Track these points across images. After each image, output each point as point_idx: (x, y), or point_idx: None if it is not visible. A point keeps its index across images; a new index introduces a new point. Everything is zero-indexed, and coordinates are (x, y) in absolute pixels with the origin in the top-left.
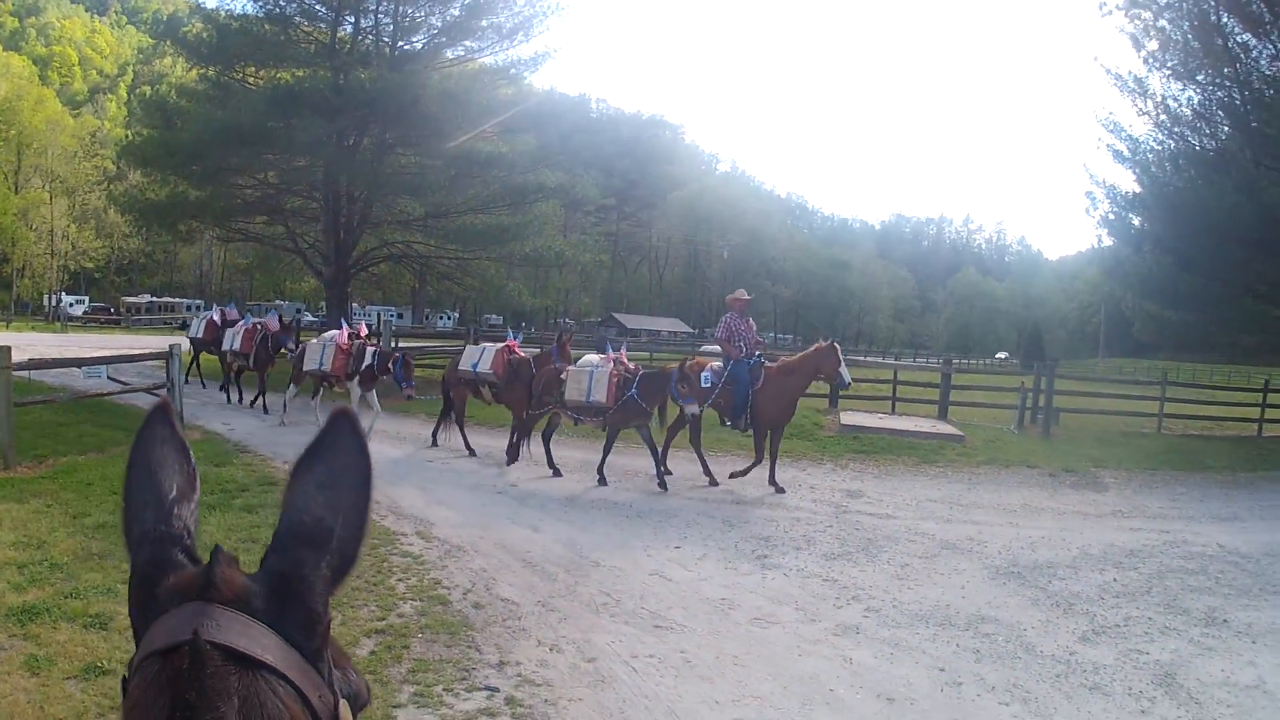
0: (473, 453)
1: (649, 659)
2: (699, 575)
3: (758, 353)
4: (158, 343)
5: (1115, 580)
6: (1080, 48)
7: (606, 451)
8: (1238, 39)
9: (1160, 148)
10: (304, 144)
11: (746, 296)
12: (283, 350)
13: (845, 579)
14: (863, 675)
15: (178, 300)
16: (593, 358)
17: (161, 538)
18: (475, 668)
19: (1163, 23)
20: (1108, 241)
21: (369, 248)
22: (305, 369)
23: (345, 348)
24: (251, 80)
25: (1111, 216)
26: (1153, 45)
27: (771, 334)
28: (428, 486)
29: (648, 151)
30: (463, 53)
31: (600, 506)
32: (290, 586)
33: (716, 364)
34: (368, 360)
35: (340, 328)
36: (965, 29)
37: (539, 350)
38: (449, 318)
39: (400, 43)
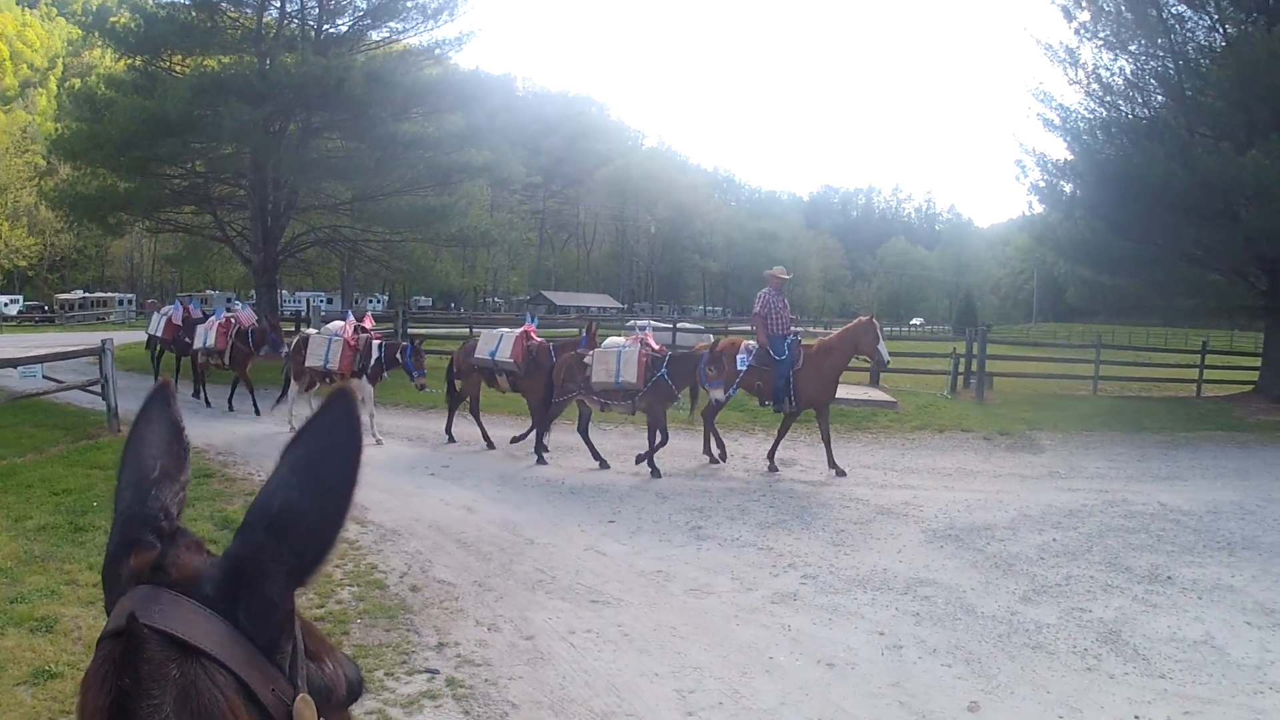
0: (491, 445)
1: (587, 634)
2: (634, 549)
3: (793, 331)
4: (92, 339)
5: (1055, 540)
6: (1010, 18)
7: (652, 441)
8: (1172, 10)
9: (1091, 116)
10: (230, 131)
11: (785, 275)
12: (264, 349)
13: (781, 547)
14: (801, 642)
15: (110, 295)
16: (617, 339)
17: (135, 518)
18: (415, 650)
19: None
20: (1038, 208)
21: (296, 233)
22: (308, 365)
23: (353, 343)
24: (179, 69)
25: (1042, 184)
26: (1084, 16)
27: (701, 307)
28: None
29: (574, 129)
30: (388, 34)
31: (534, 484)
32: (245, 573)
33: (752, 343)
34: (375, 355)
35: (345, 318)
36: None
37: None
38: (378, 301)
39: (325, 26)
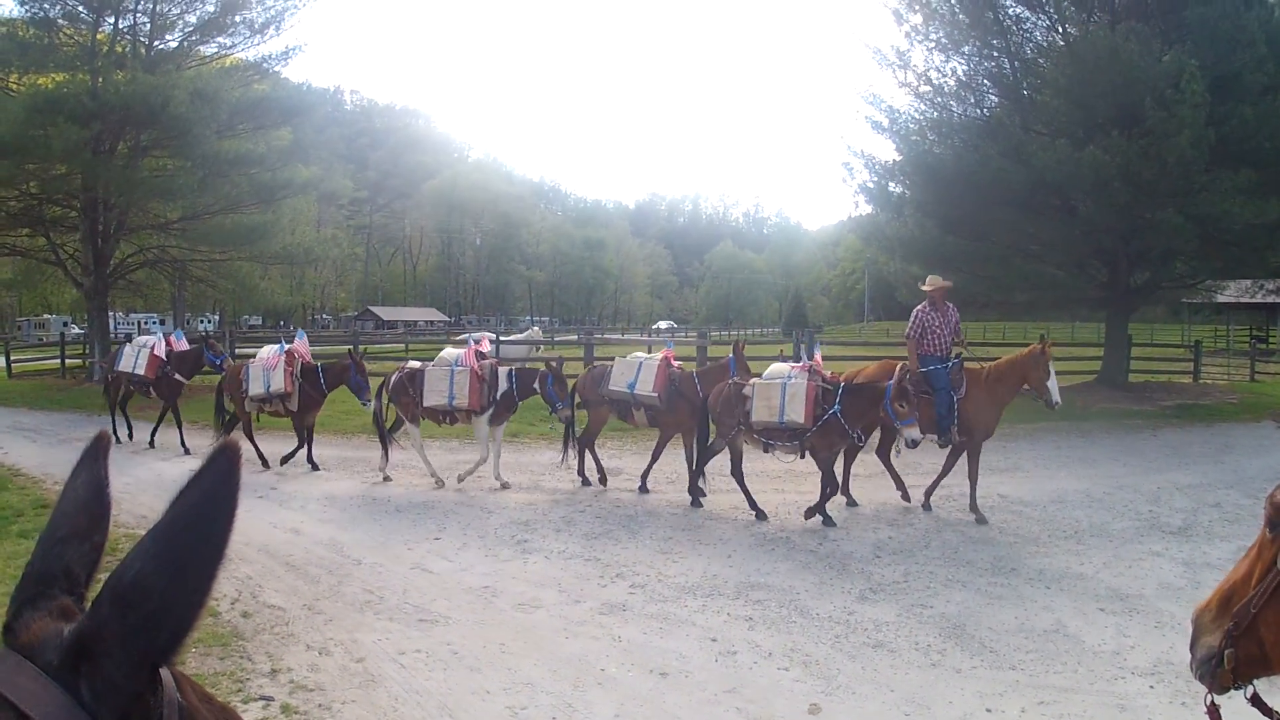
0: (587, 483)
1: (417, 654)
2: (460, 565)
3: (957, 353)
4: None
5: (890, 538)
6: (840, 22)
7: (825, 489)
8: (1010, 12)
9: (921, 117)
10: (60, 151)
11: (945, 282)
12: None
13: (608, 557)
14: (633, 652)
15: None
16: (782, 367)
17: (36, 575)
18: (249, 678)
19: None
20: (865, 209)
21: (126, 255)
22: (426, 405)
23: (479, 373)
24: (15, 86)
25: (870, 184)
26: (916, 19)
27: (527, 317)
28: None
29: (401, 141)
30: (216, 49)
31: (360, 504)
32: (87, 648)
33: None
34: (504, 385)
35: (468, 344)
36: (716, 8)
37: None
38: (209, 321)
39: (156, 42)
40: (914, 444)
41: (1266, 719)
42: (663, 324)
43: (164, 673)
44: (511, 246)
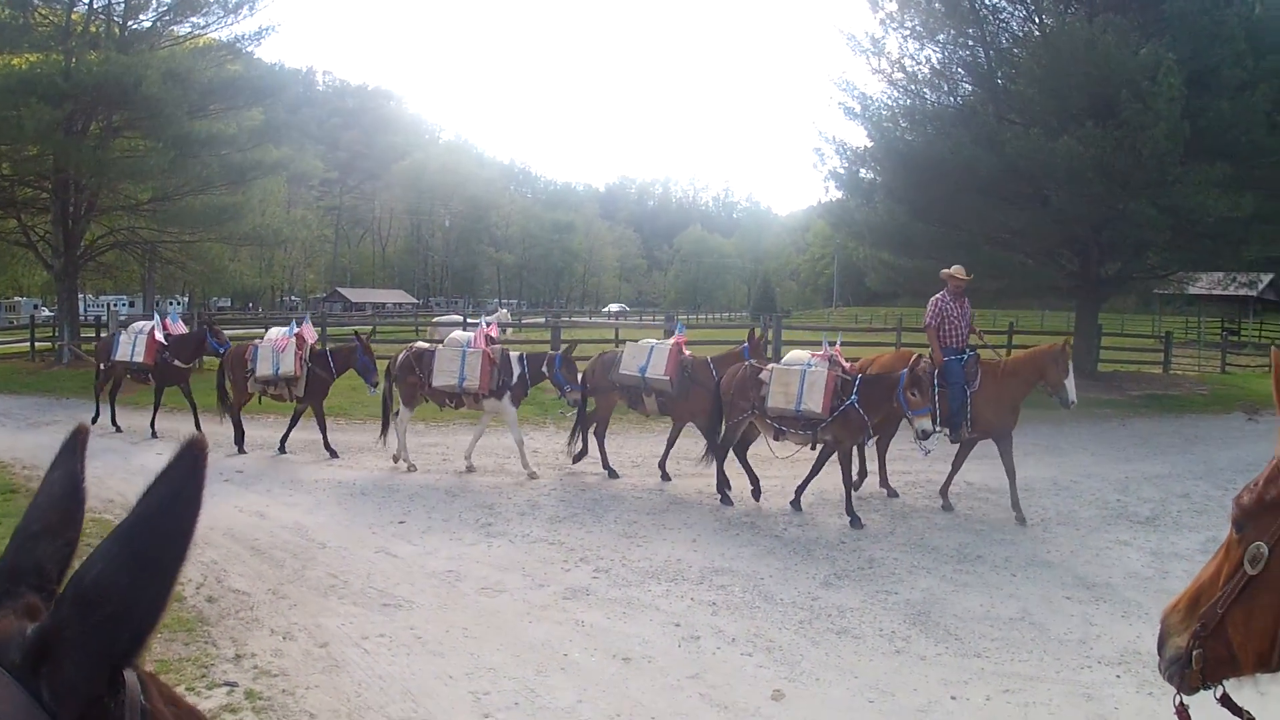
0: (613, 474)
1: (380, 639)
2: (424, 549)
3: (971, 345)
4: None
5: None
6: (813, 8)
7: (847, 484)
8: (986, 1)
9: (894, 104)
10: (33, 132)
11: (965, 275)
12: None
13: (572, 541)
14: (596, 637)
15: None
16: (801, 354)
17: (6, 572)
18: (214, 663)
19: None
20: (836, 194)
21: (97, 236)
22: (435, 385)
23: (492, 357)
24: None
25: (841, 170)
26: (891, 6)
27: (496, 300)
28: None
29: (372, 122)
30: (189, 29)
31: (324, 487)
32: (48, 648)
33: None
34: (517, 370)
35: (479, 324)
36: None
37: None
38: (179, 303)
39: (130, 22)
40: (925, 435)
41: (1237, 718)
42: (614, 306)
43: (128, 674)
44: (481, 229)
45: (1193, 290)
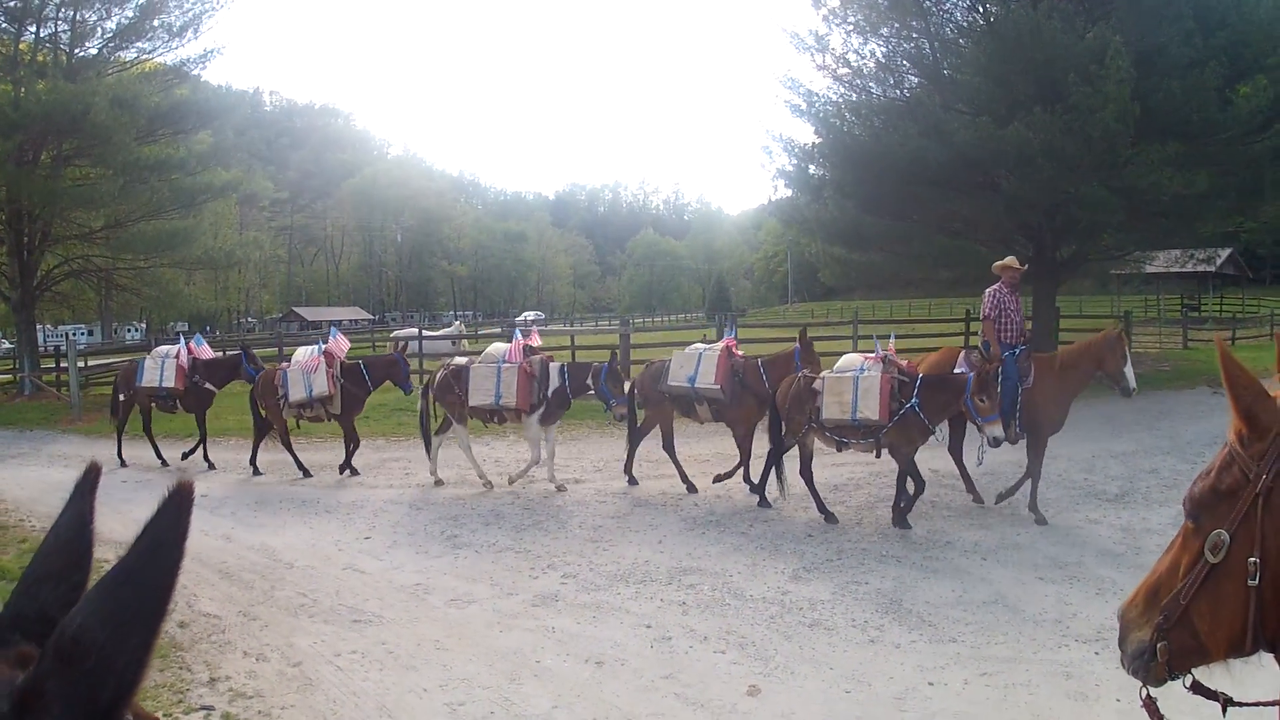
0: (692, 489)
1: (352, 655)
2: (391, 564)
3: (1023, 340)
4: None
5: (821, 518)
6: (756, 7)
7: (900, 492)
8: None
9: (840, 100)
10: None
11: (1019, 265)
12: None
13: (539, 549)
14: (567, 643)
15: None
16: (854, 358)
17: (8, 619)
18: (189, 688)
19: None
20: (785, 192)
21: (52, 266)
22: (472, 404)
23: (529, 370)
24: None
25: (789, 167)
26: (834, 2)
27: (451, 312)
28: (121, 507)
29: (320, 140)
30: (135, 54)
31: (289, 507)
32: (28, 701)
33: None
34: (555, 382)
35: (513, 338)
36: None
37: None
38: (137, 329)
39: (76, 50)
40: (997, 443)
41: (1213, 700)
42: (529, 314)
43: None
44: (433, 242)
45: (1150, 269)
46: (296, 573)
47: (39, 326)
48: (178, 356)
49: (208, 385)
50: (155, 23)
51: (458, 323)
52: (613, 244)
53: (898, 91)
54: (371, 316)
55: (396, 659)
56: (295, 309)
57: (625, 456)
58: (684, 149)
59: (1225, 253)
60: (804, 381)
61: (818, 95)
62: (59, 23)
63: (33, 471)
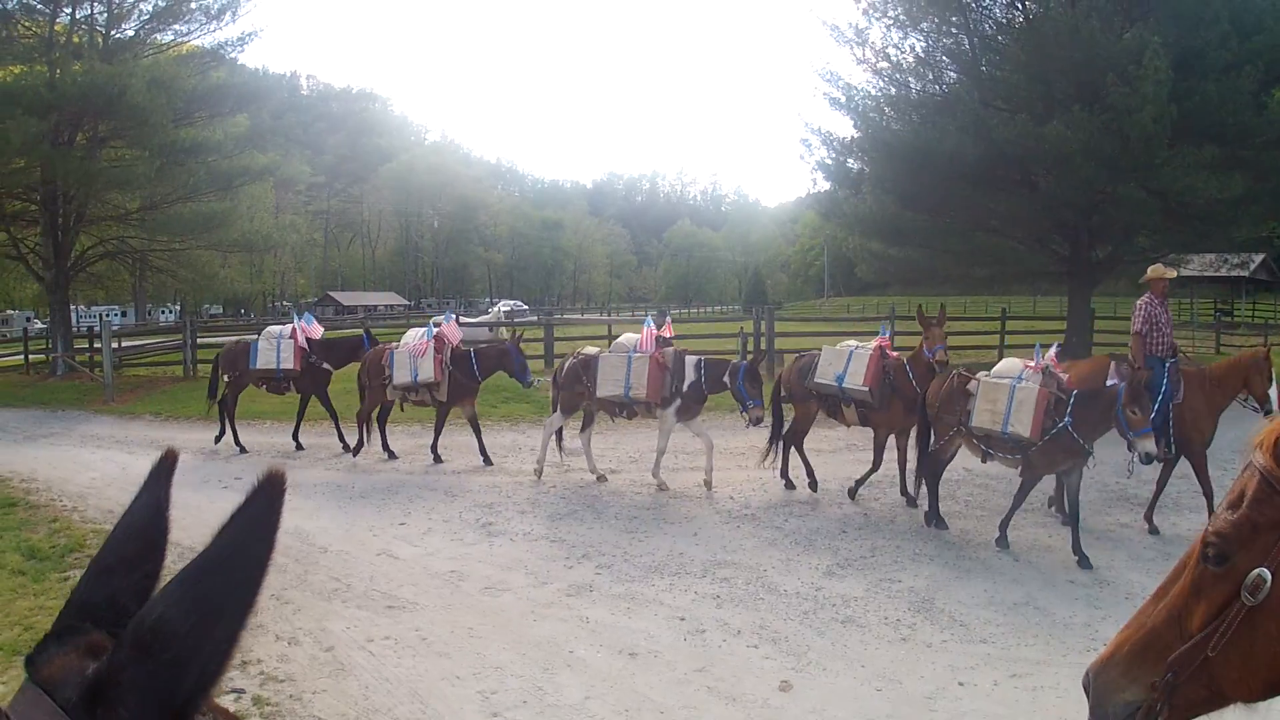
0: (814, 485)
1: (385, 641)
2: (426, 550)
3: (1174, 354)
4: None
5: (856, 513)
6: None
7: (1011, 503)
8: None
9: (879, 94)
10: (19, 145)
11: (1171, 274)
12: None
13: (573, 538)
14: (601, 633)
15: None
16: (1014, 363)
17: (77, 606)
18: None
19: None
20: (824, 185)
21: (87, 247)
22: (600, 395)
23: (661, 361)
24: None
25: (828, 161)
26: None
27: (486, 299)
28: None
29: (358, 125)
30: (172, 37)
31: (323, 491)
32: (104, 691)
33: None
34: (691, 376)
35: (646, 325)
36: None
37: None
38: (171, 311)
39: (113, 31)
40: (1149, 460)
41: None
42: (505, 305)
43: None
44: (470, 228)
45: (1185, 272)
46: (330, 557)
47: (73, 307)
48: (293, 337)
49: (325, 365)
50: (193, 5)
51: (498, 306)
52: (649, 234)
53: (936, 87)
54: (408, 302)
55: (429, 646)
56: (331, 293)
57: (779, 461)
58: (722, 140)
59: (1259, 258)
60: (958, 380)
61: (857, 89)
62: (95, 4)
63: (64, 451)
